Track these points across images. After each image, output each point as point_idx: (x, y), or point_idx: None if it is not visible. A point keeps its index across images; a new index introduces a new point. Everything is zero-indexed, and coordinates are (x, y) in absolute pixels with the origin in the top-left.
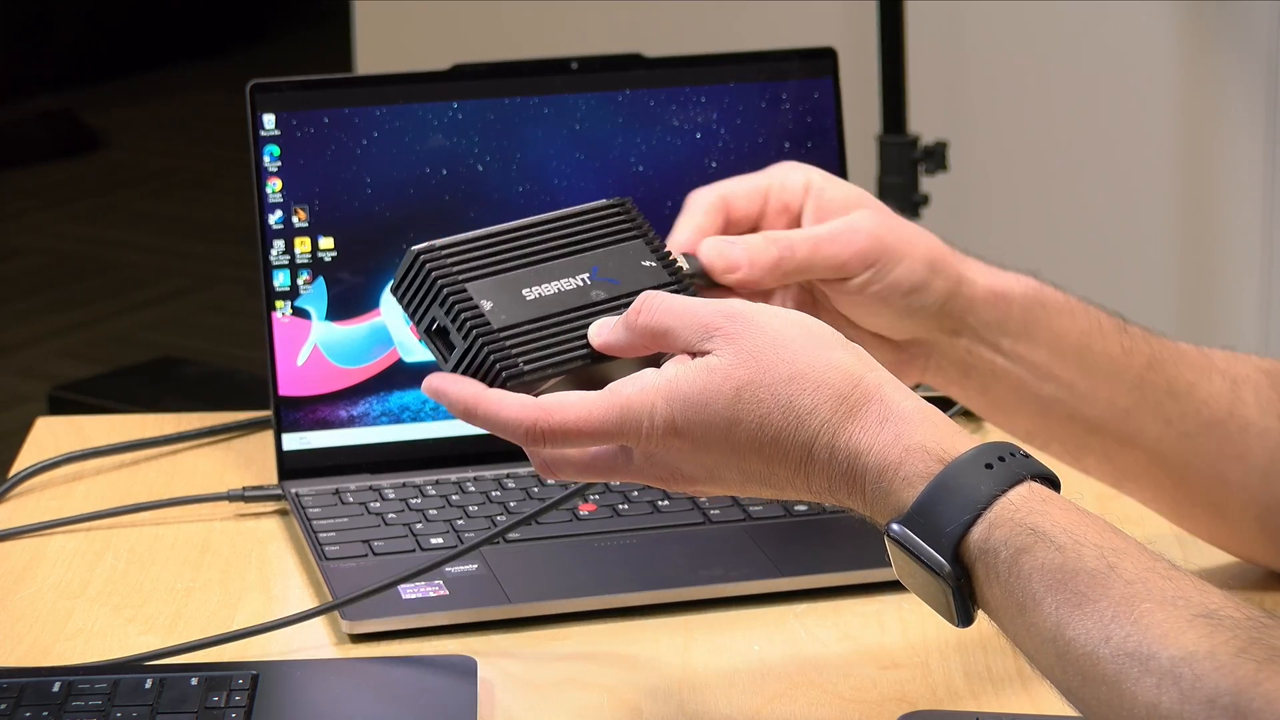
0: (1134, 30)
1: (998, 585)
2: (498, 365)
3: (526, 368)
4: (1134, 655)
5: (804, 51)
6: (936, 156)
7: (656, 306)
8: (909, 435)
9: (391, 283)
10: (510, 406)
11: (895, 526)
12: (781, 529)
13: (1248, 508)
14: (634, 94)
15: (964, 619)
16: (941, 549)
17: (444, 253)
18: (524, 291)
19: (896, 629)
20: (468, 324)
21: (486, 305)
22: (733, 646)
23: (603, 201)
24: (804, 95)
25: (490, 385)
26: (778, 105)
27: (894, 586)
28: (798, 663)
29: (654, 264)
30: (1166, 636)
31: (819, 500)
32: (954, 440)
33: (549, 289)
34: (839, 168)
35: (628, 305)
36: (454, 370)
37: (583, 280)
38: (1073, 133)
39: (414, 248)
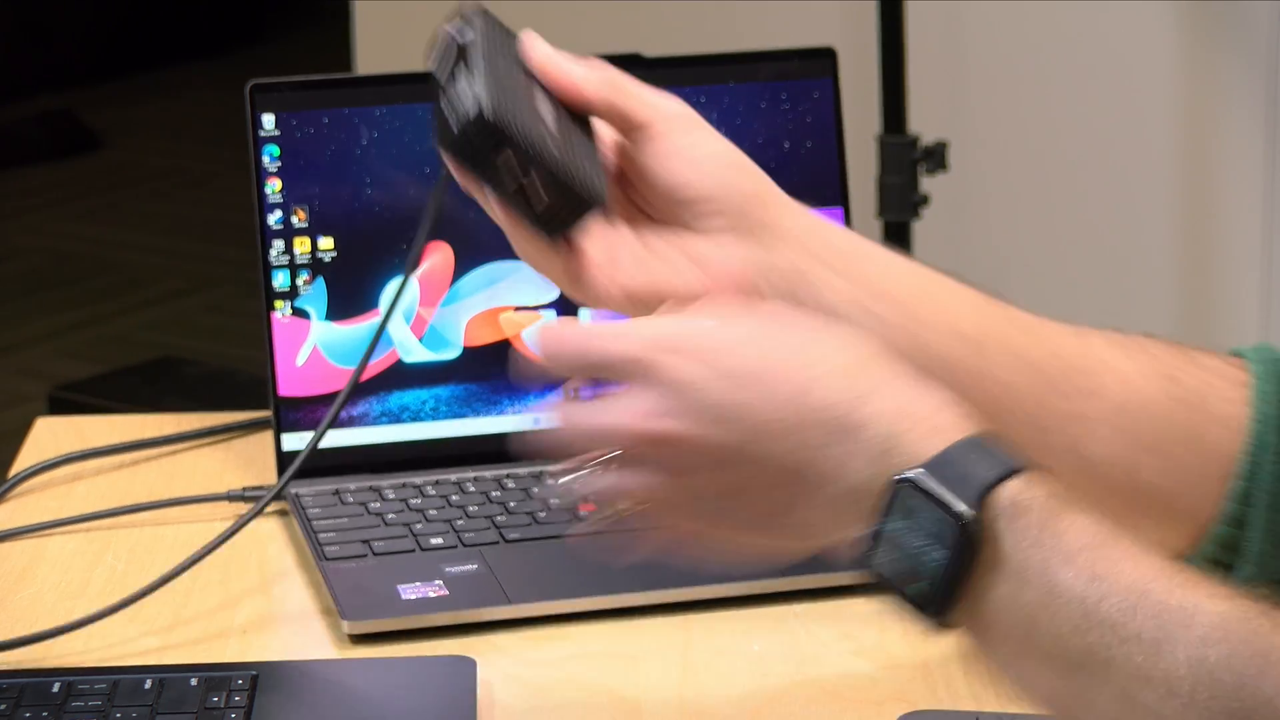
0: (1134, 30)
1: (1024, 537)
2: (581, 190)
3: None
4: (1178, 610)
5: (804, 51)
6: (936, 156)
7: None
8: (941, 391)
9: (443, 139)
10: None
11: (910, 472)
12: None
13: (1111, 447)
14: None
15: (944, 602)
16: (966, 496)
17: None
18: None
19: (896, 629)
20: (544, 156)
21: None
22: (733, 646)
23: None
24: (804, 95)
25: (571, 212)
26: (778, 105)
27: None
28: (798, 663)
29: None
30: (1213, 596)
31: (836, 497)
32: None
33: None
34: (839, 168)
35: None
36: (533, 196)
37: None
38: (1073, 132)
39: (484, 91)
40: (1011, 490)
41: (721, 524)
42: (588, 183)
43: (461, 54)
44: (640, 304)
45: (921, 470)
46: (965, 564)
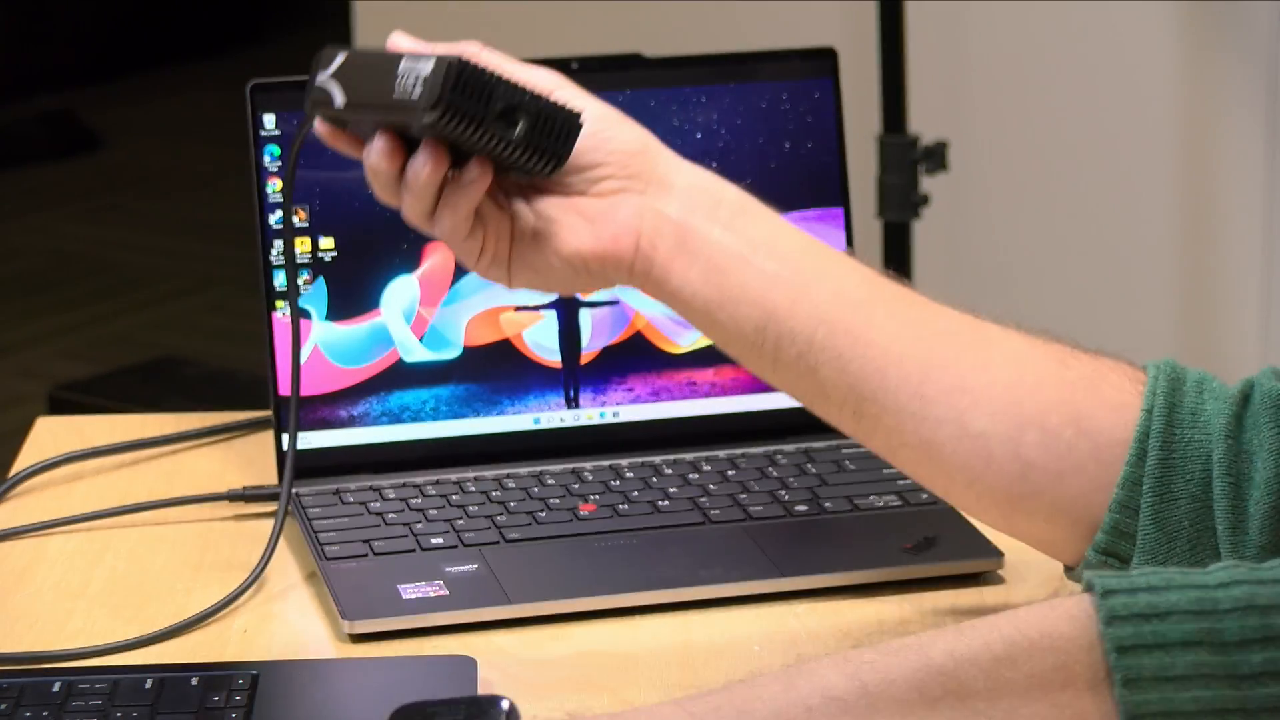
0: (1135, 30)
1: None
2: (566, 112)
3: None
4: None
5: (804, 51)
6: (936, 156)
7: None
8: None
9: (437, 103)
10: None
11: None
12: (781, 529)
13: (996, 420)
14: (634, 94)
15: None
16: None
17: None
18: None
19: (897, 629)
20: (526, 95)
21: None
22: (733, 646)
23: None
24: (804, 95)
25: (566, 135)
26: (778, 105)
27: (894, 587)
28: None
29: None
30: None
31: None
32: None
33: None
34: (839, 168)
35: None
36: (527, 135)
37: None
38: (1073, 132)
39: (448, 59)
40: None
41: None
42: (562, 105)
43: (375, 63)
44: (554, 271)
45: None
46: None
